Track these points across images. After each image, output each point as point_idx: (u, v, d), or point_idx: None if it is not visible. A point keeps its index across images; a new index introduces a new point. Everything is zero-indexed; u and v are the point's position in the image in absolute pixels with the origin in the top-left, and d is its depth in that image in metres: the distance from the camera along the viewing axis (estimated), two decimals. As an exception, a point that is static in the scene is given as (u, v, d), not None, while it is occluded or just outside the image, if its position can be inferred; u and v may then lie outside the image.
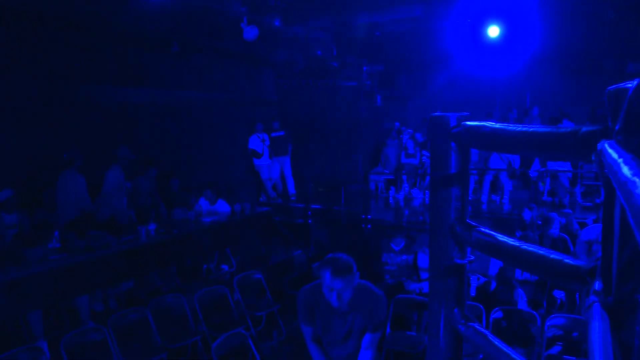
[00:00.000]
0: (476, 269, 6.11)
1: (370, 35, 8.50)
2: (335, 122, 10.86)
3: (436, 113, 1.77)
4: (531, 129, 1.28)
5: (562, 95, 11.01)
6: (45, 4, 5.87)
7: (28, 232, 5.66)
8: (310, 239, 8.63)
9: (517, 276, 5.80)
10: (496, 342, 1.58)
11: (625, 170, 0.76)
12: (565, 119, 9.76)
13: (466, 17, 7.17)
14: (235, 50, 8.62)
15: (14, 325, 5.26)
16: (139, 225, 5.94)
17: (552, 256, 1.25)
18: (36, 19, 6.28)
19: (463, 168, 1.75)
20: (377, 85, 11.30)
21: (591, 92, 9.77)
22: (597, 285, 1.00)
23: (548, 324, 4.63)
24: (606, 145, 0.90)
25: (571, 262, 1.18)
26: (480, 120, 1.62)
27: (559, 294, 5.84)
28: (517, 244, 1.44)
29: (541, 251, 1.32)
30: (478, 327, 1.71)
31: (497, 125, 1.47)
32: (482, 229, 1.64)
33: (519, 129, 1.33)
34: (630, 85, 0.89)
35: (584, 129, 1.07)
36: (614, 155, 0.84)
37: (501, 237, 1.53)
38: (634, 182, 0.71)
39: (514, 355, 1.49)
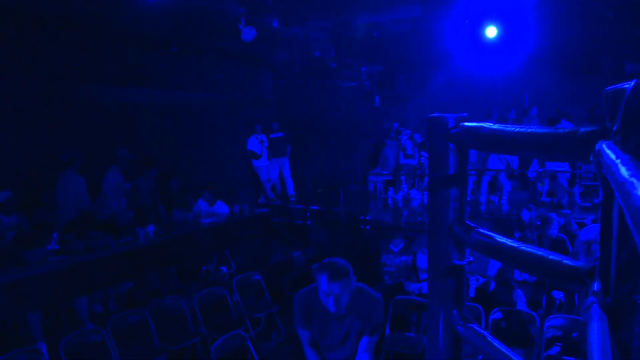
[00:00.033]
0: (475, 270, 6.12)
1: (369, 35, 8.51)
2: (334, 122, 10.86)
3: (434, 114, 1.77)
4: (529, 130, 1.28)
5: (560, 95, 11.03)
6: (45, 4, 5.87)
7: (27, 234, 5.65)
8: (309, 239, 8.63)
9: (516, 277, 5.80)
10: (495, 343, 1.58)
11: (623, 171, 0.76)
12: (564, 119, 9.77)
13: (464, 17, 7.18)
14: (234, 51, 8.62)
15: (13, 327, 5.25)
16: (137, 227, 5.93)
17: (550, 257, 1.25)
18: (35, 19, 6.27)
19: (461, 169, 1.75)
20: (376, 85, 11.31)
21: (589, 92, 9.79)
22: (595, 286, 1.00)
23: (547, 324, 4.63)
24: (604, 146, 0.90)
25: (570, 263, 1.18)
26: (478, 121, 1.63)
27: (558, 295, 5.84)
28: (515, 244, 1.44)
29: (540, 252, 1.32)
30: (477, 328, 1.71)
31: (495, 126, 1.47)
32: (481, 230, 1.64)
33: (517, 129, 1.34)
34: (627, 85, 0.89)
35: (582, 129, 1.08)
36: (612, 155, 0.84)
37: (500, 238, 1.53)
38: (632, 183, 0.71)
39: (513, 356, 1.49)
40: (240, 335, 4.55)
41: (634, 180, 0.71)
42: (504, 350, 1.52)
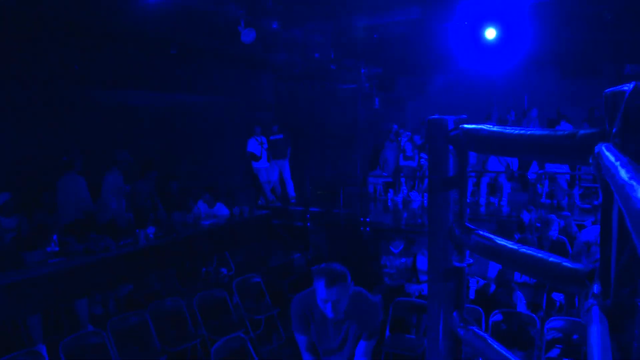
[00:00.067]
0: (475, 272, 6.12)
1: (368, 37, 8.51)
2: (334, 124, 10.87)
3: (434, 116, 1.78)
4: (529, 132, 1.28)
5: (559, 96, 11.04)
6: (46, 6, 5.87)
7: (27, 235, 5.65)
8: (309, 241, 8.63)
9: (516, 279, 5.80)
10: (495, 345, 1.58)
11: (623, 173, 0.76)
12: (563, 121, 9.78)
13: (464, 19, 7.18)
14: (233, 53, 8.62)
15: (13, 329, 5.25)
16: (137, 229, 5.93)
17: (550, 259, 1.25)
18: (36, 21, 6.27)
19: (461, 171, 1.75)
20: (376, 87, 11.31)
21: (589, 94, 9.80)
22: (595, 288, 1.00)
23: (547, 326, 4.63)
24: (603, 148, 0.90)
25: (570, 265, 1.18)
26: (478, 123, 1.63)
27: (558, 297, 5.83)
28: (515, 247, 1.44)
29: (540, 254, 1.32)
30: (477, 330, 1.71)
31: (495, 129, 1.47)
32: (481, 232, 1.64)
33: (517, 132, 1.34)
34: (626, 88, 0.89)
35: (582, 132, 1.08)
36: (612, 158, 0.84)
37: (500, 240, 1.53)
38: (632, 186, 0.71)
39: (513, 359, 1.49)
40: (240, 337, 4.54)
41: (633, 183, 0.72)
42: (504, 353, 1.52)
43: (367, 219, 8.56)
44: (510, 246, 1.46)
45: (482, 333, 1.70)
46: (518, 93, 11.64)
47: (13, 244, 5.37)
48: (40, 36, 6.57)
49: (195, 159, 8.91)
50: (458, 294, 1.81)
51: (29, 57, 6.50)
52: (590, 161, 0.97)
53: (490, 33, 7.16)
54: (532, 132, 1.27)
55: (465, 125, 1.65)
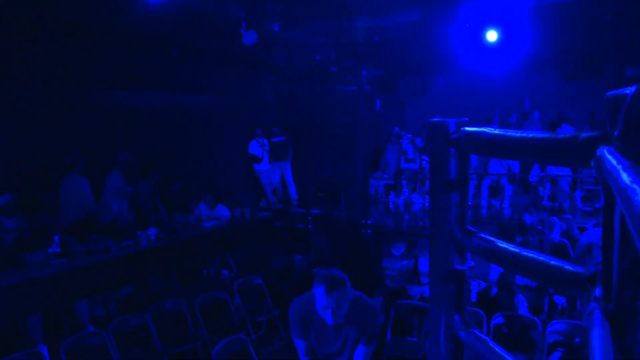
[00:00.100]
0: (477, 275, 6.10)
1: (369, 39, 8.52)
2: (335, 126, 10.88)
3: (435, 118, 1.77)
4: (530, 135, 1.28)
5: (561, 99, 11.04)
6: (47, 6, 5.89)
7: (28, 237, 5.66)
8: (311, 244, 8.62)
9: (517, 282, 5.78)
10: (497, 349, 1.57)
11: (625, 177, 0.76)
12: (565, 123, 9.78)
13: (465, 21, 7.18)
14: (235, 54, 8.64)
15: (13, 330, 5.25)
16: (138, 230, 5.93)
17: (552, 263, 1.25)
18: (37, 22, 6.29)
19: (463, 173, 1.75)
20: (377, 89, 11.32)
21: (590, 96, 9.81)
22: (597, 291, 1.00)
23: (549, 329, 4.62)
24: (605, 152, 0.90)
25: (571, 268, 1.18)
26: (479, 126, 1.62)
27: (560, 300, 5.82)
28: (517, 250, 1.43)
29: (541, 257, 1.31)
30: (479, 333, 1.71)
31: (496, 131, 1.47)
32: (483, 235, 1.64)
33: (518, 135, 1.33)
34: (628, 91, 0.89)
35: (583, 135, 1.07)
36: (613, 161, 0.84)
37: (501, 243, 1.52)
38: (634, 190, 0.71)
39: (514, 362, 1.48)
40: (242, 339, 4.54)
41: (635, 186, 0.71)
42: (506, 356, 1.52)
43: (369, 222, 8.56)
44: (512, 249, 1.46)
45: (483, 336, 1.69)
46: (519, 95, 11.64)
47: (14, 244, 5.37)
48: (41, 37, 6.58)
49: (196, 160, 8.91)
50: (459, 296, 1.81)
51: (30, 57, 6.51)
52: (592, 164, 0.97)
53: (492, 35, 7.16)
54: (534, 135, 1.27)
55: (467, 128, 1.65)
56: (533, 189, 9.25)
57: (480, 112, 10.72)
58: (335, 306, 2.44)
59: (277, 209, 9.61)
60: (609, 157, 0.87)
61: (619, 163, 0.82)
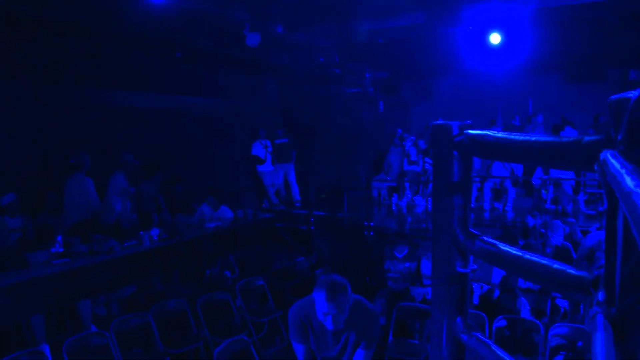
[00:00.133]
0: (479, 277, 6.09)
1: (373, 42, 8.52)
2: (338, 128, 10.87)
3: (438, 121, 1.78)
4: (533, 138, 1.28)
5: (564, 102, 11.02)
6: (54, 10, 5.92)
7: (31, 236, 5.68)
8: (313, 245, 8.62)
9: (520, 284, 5.77)
10: (499, 352, 1.57)
11: (629, 181, 0.76)
12: (568, 126, 9.75)
13: (468, 24, 7.18)
14: (238, 57, 8.66)
15: (16, 329, 5.26)
16: (141, 230, 5.95)
17: (555, 266, 1.25)
18: (45, 24, 6.32)
19: (466, 176, 1.75)
20: (380, 92, 11.31)
21: (593, 99, 9.79)
22: (600, 295, 1.00)
23: (551, 333, 4.60)
24: (609, 155, 0.90)
25: (574, 272, 1.18)
26: (483, 128, 1.63)
27: (563, 303, 5.81)
28: (519, 253, 1.43)
29: (544, 261, 1.31)
30: (480, 336, 1.71)
31: (499, 134, 1.47)
32: (485, 238, 1.64)
33: (521, 138, 1.33)
34: (632, 95, 0.89)
35: (587, 138, 1.07)
36: (617, 165, 0.84)
37: (504, 247, 1.52)
38: (638, 193, 0.71)
39: (516, 365, 1.48)
40: (243, 339, 4.54)
41: (639, 190, 0.71)
42: (508, 359, 1.52)
43: (371, 223, 8.55)
44: (514, 252, 1.46)
45: (485, 339, 1.69)
46: (522, 98, 11.62)
47: (17, 244, 5.40)
48: (48, 39, 6.62)
49: (199, 161, 8.93)
50: (462, 299, 1.81)
51: (35, 58, 6.54)
52: (596, 168, 0.97)
53: (495, 38, 7.15)
54: (537, 138, 1.27)
55: (470, 131, 1.65)
56: (536, 191, 9.23)
57: (483, 115, 10.71)
58: (336, 312, 2.43)
59: (280, 210, 9.62)
60: (613, 160, 0.87)
61: (622, 167, 0.82)
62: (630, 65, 10.51)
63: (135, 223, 6.49)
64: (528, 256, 1.39)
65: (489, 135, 1.52)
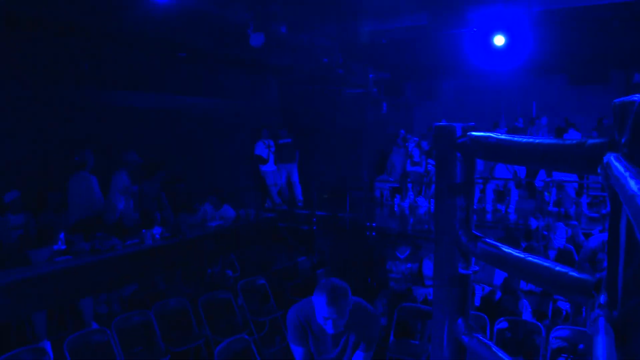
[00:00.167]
0: (481, 279, 6.08)
1: (376, 42, 8.52)
2: (341, 128, 10.87)
3: (441, 123, 1.78)
4: (537, 141, 1.27)
5: (568, 104, 11.00)
6: (55, 10, 5.93)
7: (34, 234, 5.69)
8: (315, 245, 8.62)
9: (522, 286, 5.76)
10: (500, 353, 1.57)
11: (632, 184, 0.76)
12: (572, 129, 9.74)
13: (472, 26, 7.17)
14: (241, 57, 8.67)
15: (18, 325, 5.28)
16: (143, 229, 5.96)
17: (557, 268, 1.25)
18: (48, 23, 6.34)
19: (468, 178, 1.75)
20: (383, 92, 11.31)
21: (597, 102, 9.77)
22: (602, 298, 0.99)
23: (553, 335, 4.60)
24: (612, 159, 0.90)
25: (576, 275, 1.17)
26: (486, 130, 1.62)
27: (564, 306, 5.80)
28: (522, 255, 1.43)
29: (546, 263, 1.31)
30: (482, 337, 1.71)
31: (503, 136, 1.47)
32: (487, 240, 1.64)
33: (525, 140, 1.33)
34: (636, 98, 0.89)
35: (590, 141, 1.07)
36: (621, 168, 0.84)
37: (506, 249, 1.52)
38: (641, 197, 0.71)
39: (517, 367, 1.48)
40: (244, 338, 4.55)
41: (642, 194, 0.71)
42: (509, 361, 1.52)
43: (373, 224, 8.55)
44: (517, 254, 1.46)
45: (486, 340, 1.69)
46: (526, 100, 11.61)
47: (20, 241, 5.41)
48: (49, 39, 6.64)
49: (202, 161, 8.94)
50: (463, 301, 1.81)
51: (37, 58, 6.57)
52: (599, 171, 0.96)
53: (499, 40, 7.14)
54: (540, 140, 1.26)
55: (473, 133, 1.65)
56: (539, 194, 9.22)
57: (486, 117, 10.71)
58: (336, 317, 2.43)
59: (282, 210, 9.63)
60: (616, 163, 0.87)
61: (626, 170, 0.81)
62: (634, 68, 10.49)
63: (138, 222, 6.50)
64: (530, 258, 1.38)
65: (492, 137, 1.51)
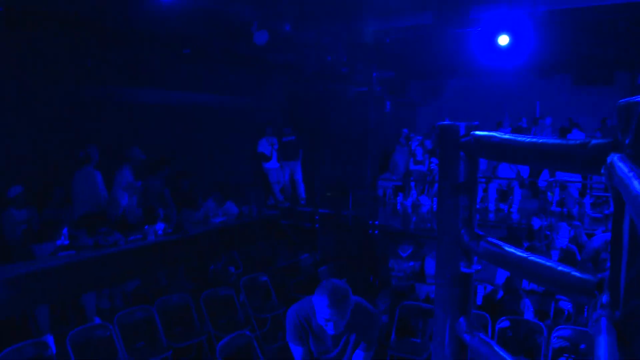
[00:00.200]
0: (483, 278, 6.08)
1: (380, 41, 8.50)
2: (344, 127, 10.84)
3: (445, 122, 1.78)
4: (540, 141, 1.28)
5: (572, 104, 10.97)
6: (62, 7, 5.95)
7: (37, 229, 5.72)
8: (317, 243, 8.63)
9: (524, 286, 5.76)
10: (501, 352, 1.57)
11: (636, 184, 0.76)
12: (575, 129, 9.71)
13: (476, 25, 7.15)
14: (246, 54, 8.67)
15: (21, 320, 5.31)
16: (146, 225, 5.97)
17: (559, 268, 1.25)
18: (55, 20, 6.36)
19: (471, 177, 1.75)
20: (387, 91, 11.29)
21: (601, 102, 9.75)
22: (604, 298, 1.00)
23: (554, 335, 4.60)
24: (616, 159, 0.90)
25: (579, 275, 1.18)
26: (490, 130, 1.63)
27: (566, 305, 5.79)
28: (524, 255, 1.43)
29: (549, 263, 1.31)
30: (483, 336, 1.71)
31: (506, 136, 1.47)
32: (490, 239, 1.64)
33: (528, 140, 1.33)
34: (641, 99, 0.89)
35: (594, 141, 1.07)
36: (624, 169, 0.84)
37: (508, 248, 1.52)
38: (644, 198, 0.71)
39: (519, 366, 1.49)
40: (246, 335, 4.56)
41: (645, 194, 0.72)
42: (510, 360, 1.52)
43: (376, 222, 8.55)
44: (519, 254, 1.46)
45: (488, 339, 1.69)
46: (530, 100, 11.58)
47: (24, 236, 5.43)
48: (57, 35, 6.65)
49: (205, 158, 8.95)
50: (465, 299, 1.81)
51: (47, 54, 6.58)
52: (603, 171, 0.97)
53: (503, 39, 7.12)
54: (544, 140, 1.27)
55: (477, 132, 1.65)
56: (542, 194, 9.20)
57: (490, 116, 10.68)
58: (337, 319, 2.42)
59: (285, 208, 9.63)
60: (620, 164, 0.87)
61: (630, 170, 0.82)
62: (639, 68, 10.45)
63: (141, 218, 6.52)
64: (532, 258, 1.39)
65: (496, 136, 1.52)
